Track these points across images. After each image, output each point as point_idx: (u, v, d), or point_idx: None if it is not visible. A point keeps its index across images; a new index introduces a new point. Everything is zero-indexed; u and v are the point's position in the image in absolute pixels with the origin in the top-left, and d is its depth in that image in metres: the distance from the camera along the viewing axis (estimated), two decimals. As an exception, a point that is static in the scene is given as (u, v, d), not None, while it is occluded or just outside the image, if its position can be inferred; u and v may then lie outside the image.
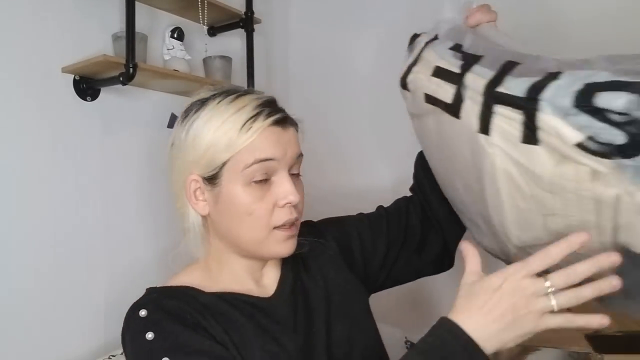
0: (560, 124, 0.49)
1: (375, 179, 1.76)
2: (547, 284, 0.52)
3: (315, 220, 0.90)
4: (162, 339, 0.62)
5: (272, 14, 1.83)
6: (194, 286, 0.71)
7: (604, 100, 0.46)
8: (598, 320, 0.53)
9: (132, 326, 0.65)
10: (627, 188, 0.48)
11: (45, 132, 1.16)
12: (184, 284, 0.72)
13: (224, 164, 0.67)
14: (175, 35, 1.40)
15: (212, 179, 0.69)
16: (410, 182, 0.95)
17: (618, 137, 0.46)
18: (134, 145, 1.35)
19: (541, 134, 0.51)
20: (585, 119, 0.47)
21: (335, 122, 1.71)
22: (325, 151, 1.74)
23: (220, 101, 0.69)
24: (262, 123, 0.67)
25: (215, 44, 1.57)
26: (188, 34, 1.45)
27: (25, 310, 1.11)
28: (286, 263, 0.79)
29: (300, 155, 0.73)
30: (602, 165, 0.48)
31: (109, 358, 1.13)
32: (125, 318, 0.67)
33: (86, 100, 1.25)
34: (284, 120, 0.70)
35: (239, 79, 1.56)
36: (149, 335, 0.62)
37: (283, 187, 0.69)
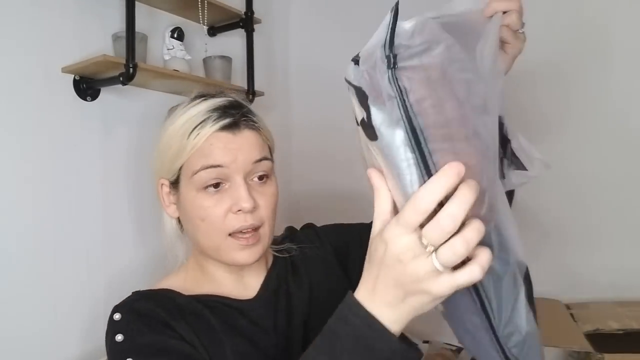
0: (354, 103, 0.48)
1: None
2: (424, 241, 0.41)
3: (319, 223, 0.90)
4: (130, 339, 0.64)
5: (272, 14, 1.83)
6: (174, 289, 0.72)
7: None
8: (478, 272, 0.42)
9: (108, 329, 0.67)
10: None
11: (45, 132, 1.16)
12: (165, 287, 0.73)
13: (179, 169, 0.70)
14: (175, 35, 1.40)
15: (174, 184, 0.71)
16: None
17: (359, 114, 0.47)
18: (133, 145, 1.35)
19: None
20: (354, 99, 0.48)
21: (335, 122, 1.71)
22: (325, 152, 1.74)
23: (185, 106, 0.71)
24: (208, 129, 0.67)
25: (215, 44, 1.57)
26: (188, 34, 1.45)
27: (25, 310, 1.11)
28: (274, 265, 0.80)
29: (263, 159, 0.70)
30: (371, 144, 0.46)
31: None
32: (107, 322, 0.69)
33: (86, 100, 1.25)
34: (234, 125, 0.68)
35: (239, 79, 1.56)
36: (119, 337, 0.65)
37: (235, 193, 0.68)
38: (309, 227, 0.89)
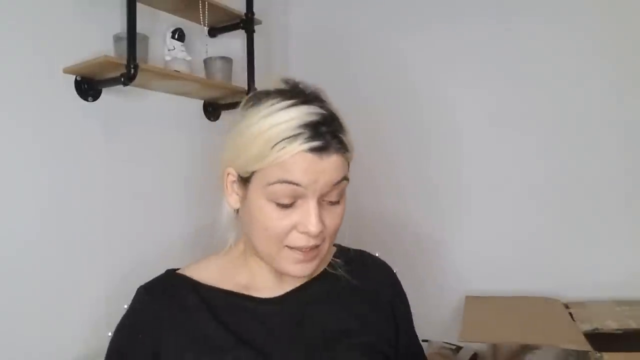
0: None
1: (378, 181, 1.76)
2: None
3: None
4: (111, 341, 0.73)
5: (273, 15, 1.83)
6: (203, 280, 0.74)
7: None
8: None
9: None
10: None
11: (47, 132, 1.17)
12: (197, 273, 0.75)
13: (254, 172, 0.66)
14: (176, 36, 1.41)
15: (244, 180, 0.68)
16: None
17: None
18: (135, 145, 1.36)
19: None
20: None
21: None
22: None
23: (273, 104, 0.66)
24: (297, 147, 0.62)
25: (216, 45, 1.58)
26: (189, 35, 1.45)
27: (26, 309, 1.11)
28: (320, 277, 0.78)
29: (342, 180, 0.67)
30: None
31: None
32: None
33: (87, 100, 1.25)
34: (324, 149, 0.64)
35: (240, 80, 1.56)
36: (109, 334, 0.73)
37: (305, 216, 0.65)
38: (389, 268, 0.86)
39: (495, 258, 1.61)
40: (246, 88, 1.53)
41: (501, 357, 1.37)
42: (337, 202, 0.69)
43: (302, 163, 0.63)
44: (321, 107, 0.67)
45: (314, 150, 0.63)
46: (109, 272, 1.27)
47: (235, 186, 0.71)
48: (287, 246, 0.67)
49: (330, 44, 1.92)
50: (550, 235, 1.55)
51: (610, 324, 1.23)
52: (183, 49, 1.42)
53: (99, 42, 1.26)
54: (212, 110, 1.60)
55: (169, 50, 1.41)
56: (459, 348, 1.51)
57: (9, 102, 1.10)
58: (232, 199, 0.72)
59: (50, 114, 1.17)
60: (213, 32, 1.59)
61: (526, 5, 1.60)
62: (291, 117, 0.64)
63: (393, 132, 1.77)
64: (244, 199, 0.69)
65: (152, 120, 1.41)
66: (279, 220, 0.66)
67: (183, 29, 1.43)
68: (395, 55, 1.78)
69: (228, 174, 0.71)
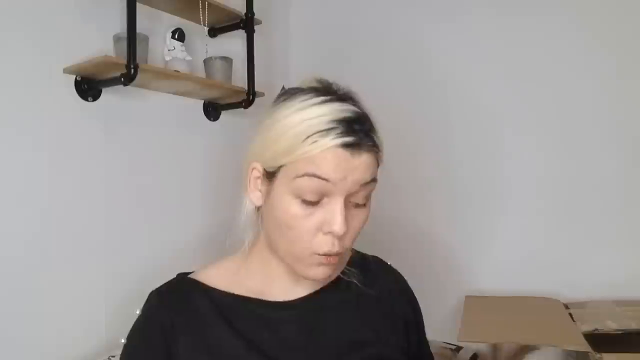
0: None
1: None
2: None
3: None
4: (125, 346, 0.71)
5: (273, 15, 1.83)
6: (216, 285, 0.73)
7: None
8: None
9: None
10: None
11: (47, 132, 1.17)
12: (209, 277, 0.74)
13: (281, 166, 0.64)
14: (176, 36, 1.41)
15: (270, 175, 0.66)
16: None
17: None
18: (134, 145, 1.36)
19: None
20: None
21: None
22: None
23: (305, 100, 0.65)
24: (328, 142, 0.61)
25: (216, 45, 1.58)
26: (189, 35, 1.45)
27: (26, 310, 1.12)
28: (335, 283, 0.77)
29: (371, 181, 0.66)
30: None
31: (109, 358, 1.13)
32: None
33: (87, 100, 1.25)
34: (356, 146, 0.63)
35: (240, 80, 1.56)
36: (122, 340, 0.71)
37: (331, 213, 0.63)
38: (401, 277, 0.86)
39: (495, 258, 1.61)
40: (246, 88, 1.53)
41: (501, 357, 1.37)
42: (362, 205, 0.68)
43: (333, 158, 0.62)
44: (354, 105, 0.66)
45: (346, 146, 0.62)
46: (109, 272, 1.27)
47: (259, 182, 0.69)
48: (311, 251, 0.65)
49: (331, 44, 1.92)
50: (550, 235, 1.55)
51: (610, 325, 1.23)
52: (183, 49, 1.42)
53: (99, 42, 1.26)
54: (212, 110, 1.60)
55: (169, 50, 1.41)
56: (459, 348, 1.51)
57: (9, 102, 1.10)
58: (255, 195, 0.70)
59: (50, 114, 1.17)
60: (213, 32, 1.59)
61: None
62: (324, 112, 0.63)
63: (392, 132, 1.77)
64: (267, 195, 0.67)
65: (152, 120, 1.41)
66: (303, 219, 0.64)
67: (183, 29, 1.43)
68: (396, 56, 1.78)
69: (253, 169, 0.69)
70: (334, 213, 0.63)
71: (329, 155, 0.62)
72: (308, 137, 0.61)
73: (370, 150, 0.64)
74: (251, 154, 0.69)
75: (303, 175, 0.62)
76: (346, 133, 0.62)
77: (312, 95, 0.65)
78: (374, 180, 0.66)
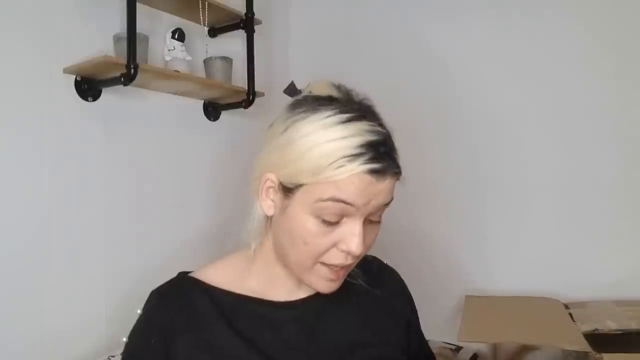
0: None
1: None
2: None
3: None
4: (126, 346, 0.72)
5: (273, 15, 1.83)
6: (218, 284, 0.72)
7: None
8: None
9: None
10: None
11: (47, 132, 1.17)
12: (211, 277, 0.73)
13: (301, 185, 0.63)
14: (176, 36, 1.41)
15: (287, 190, 0.65)
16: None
17: None
18: (135, 145, 1.36)
19: None
20: None
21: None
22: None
23: (329, 116, 0.63)
24: (356, 168, 0.60)
25: (216, 45, 1.58)
26: (189, 35, 1.45)
27: (26, 309, 1.12)
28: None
29: (389, 202, 0.66)
30: None
31: (109, 359, 1.13)
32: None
33: (87, 100, 1.25)
34: (383, 171, 0.62)
35: (240, 80, 1.56)
36: (124, 339, 0.71)
37: (350, 236, 0.64)
38: (399, 276, 0.86)
39: (495, 258, 1.61)
40: (246, 88, 1.53)
41: (501, 357, 1.37)
42: (377, 222, 0.68)
43: (359, 184, 0.61)
44: (379, 124, 0.66)
45: (372, 172, 0.61)
46: (109, 272, 1.27)
47: (271, 192, 0.68)
48: (321, 262, 0.66)
49: (331, 44, 1.92)
50: (550, 236, 1.55)
51: (610, 325, 1.22)
52: (183, 49, 1.42)
53: (99, 42, 1.26)
54: (212, 110, 1.60)
55: (169, 50, 1.41)
56: (459, 348, 1.51)
57: (9, 102, 1.10)
58: (267, 204, 0.69)
59: (50, 114, 1.17)
60: (213, 32, 1.59)
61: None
62: (351, 133, 0.61)
63: (393, 132, 1.77)
64: (282, 208, 0.66)
65: (152, 120, 1.41)
66: (320, 236, 0.64)
67: (183, 29, 1.43)
68: (396, 56, 1.78)
69: (267, 180, 0.67)
70: (352, 234, 0.64)
71: (356, 181, 0.61)
72: (335, 161, 0.60)
73: (394, 175, 0.65)
74: (266, 163, 0.68)
75: (327, 200, 0.61)
76: (374, 159, 0.61)
77: (335, 110, 0.64)
78: (391, 200, 0.67)
